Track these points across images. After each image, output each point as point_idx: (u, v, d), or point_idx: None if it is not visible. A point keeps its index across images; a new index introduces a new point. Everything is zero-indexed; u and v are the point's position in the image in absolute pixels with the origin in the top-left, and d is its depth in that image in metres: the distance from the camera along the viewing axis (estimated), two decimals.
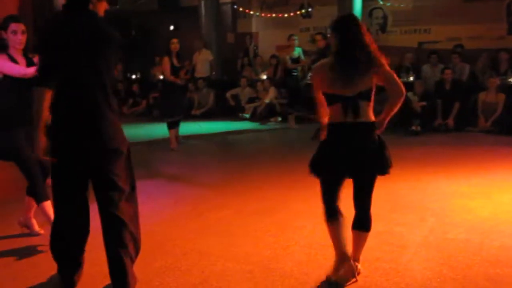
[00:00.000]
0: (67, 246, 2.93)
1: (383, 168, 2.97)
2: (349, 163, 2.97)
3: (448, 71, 8.72)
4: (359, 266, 3.14)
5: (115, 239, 2.77)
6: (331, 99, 3.00)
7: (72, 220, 2.90)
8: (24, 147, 3.57)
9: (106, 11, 2.87)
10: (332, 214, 3.05)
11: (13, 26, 3.56)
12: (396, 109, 2.98)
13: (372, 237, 3.68)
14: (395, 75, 2.95)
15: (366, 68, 2.88)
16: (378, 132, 2.99)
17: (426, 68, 9.59)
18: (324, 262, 3.34)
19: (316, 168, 3.06)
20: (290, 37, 9.71)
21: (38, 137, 2.75)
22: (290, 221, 4.19)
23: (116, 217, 2.78)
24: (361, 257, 3.22)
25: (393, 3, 10.98)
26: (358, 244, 3.11)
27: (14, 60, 3.58)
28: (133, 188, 2.94)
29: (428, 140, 7.90)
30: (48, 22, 3.01)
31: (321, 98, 3.06)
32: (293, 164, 6.05)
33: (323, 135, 3.11)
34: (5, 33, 3.58)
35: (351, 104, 2.91)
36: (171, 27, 13.30)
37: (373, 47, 2.91)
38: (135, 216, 2.92)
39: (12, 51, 3.60)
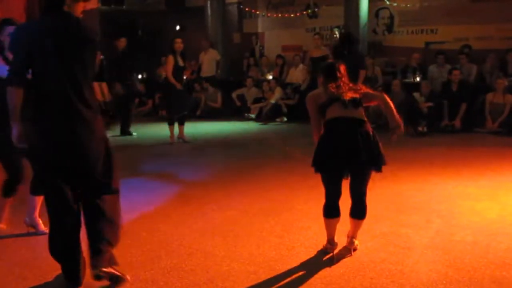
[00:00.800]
0: (64, 245, 2.98)
1: (378, 164, 3.30)
2: (347, 156, 3.26)
3: (456, 72, 8.64)
4: (356, 242, 3.51)
5: (96, 230, 2.91)
6: (330, 102, 3.36)
7: (66, 218, 2.94)
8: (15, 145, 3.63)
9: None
10: (331, 214, 3.43)
11: (9, 29, 3.60)
12: (392, 106, 3.34)
13: (377, 238, 3.71)
14: (371, 91, 3.55)
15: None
16: (400, 130, 3.33)
17: (433, 69, 9.53)
18: (329, 264, 3.34)
19: (318, 164, 3.37)
20: (314, 36, 9.65)
21: (15, 127, 2.91)
22: (295, 221, 4.18)
23: (96, 208, 2.91)
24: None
25: (400, 3, 10.92)
26: (355, 228, 3.49)
27: (9, 62, 3.62)
28: (115, 181, 3.01)
29: (434, 141, 7.85)
30: (23, 24, 3.05)
31: (317, 120, 3.46)
32: (298, 164, 6.04)
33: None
34: (1, 36, 3.62)
35: (351, 100, 3.33)
36: (177, 27, 13.33)
37: (346, 80, 3.50)
38: (115, 207, 3.01)
39: (8, 53, 3.62)
